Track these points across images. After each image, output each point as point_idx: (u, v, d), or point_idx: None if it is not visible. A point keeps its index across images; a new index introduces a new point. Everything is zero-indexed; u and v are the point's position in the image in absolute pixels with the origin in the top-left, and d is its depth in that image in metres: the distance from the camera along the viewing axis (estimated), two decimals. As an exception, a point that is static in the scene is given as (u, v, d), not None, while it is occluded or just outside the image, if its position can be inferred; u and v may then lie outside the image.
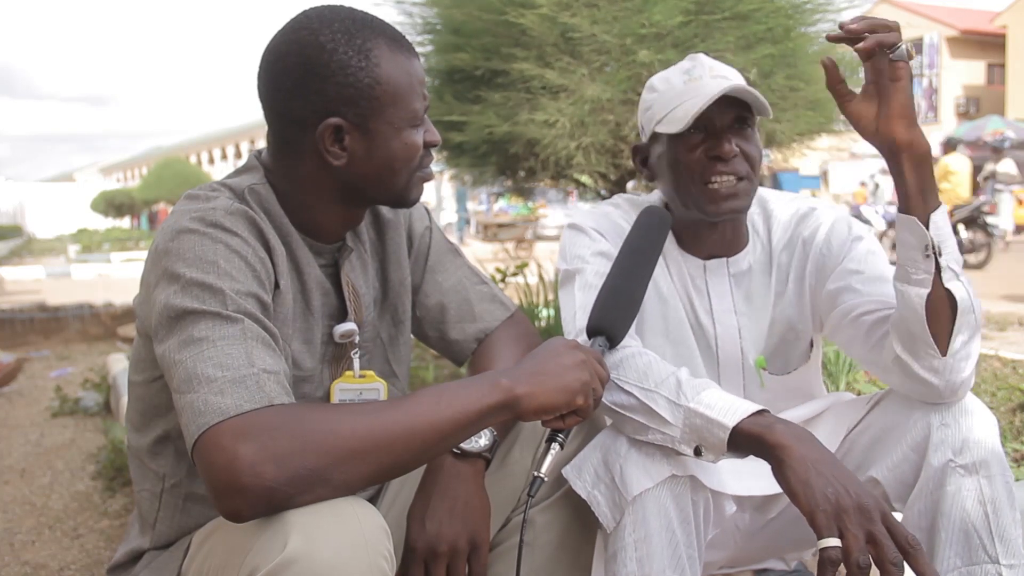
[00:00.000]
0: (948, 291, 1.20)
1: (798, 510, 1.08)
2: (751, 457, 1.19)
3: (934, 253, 1.19)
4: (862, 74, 1.22)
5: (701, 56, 1.44)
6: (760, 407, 1.18)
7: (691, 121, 1.33)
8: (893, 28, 1.15)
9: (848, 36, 1.15)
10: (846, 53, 3.38)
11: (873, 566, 1.02)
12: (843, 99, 1.22)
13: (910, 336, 1.23)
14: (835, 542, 1.02)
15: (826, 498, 1.05)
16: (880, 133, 1.20)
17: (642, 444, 1.25)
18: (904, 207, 1.22)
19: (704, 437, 1.19)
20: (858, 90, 1.22)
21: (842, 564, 1.02)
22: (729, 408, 1.18)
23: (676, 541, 1.22)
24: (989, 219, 10.08)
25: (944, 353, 1.21)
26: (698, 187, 1.39)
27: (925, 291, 1.20)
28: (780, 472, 1.11)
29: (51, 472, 3.07)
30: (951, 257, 1.21)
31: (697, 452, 1.21)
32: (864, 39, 1.14)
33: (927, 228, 1.19)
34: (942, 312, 1.21)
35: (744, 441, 1.16)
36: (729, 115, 1.38)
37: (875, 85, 1.20)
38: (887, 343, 1.28)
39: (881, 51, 1.15)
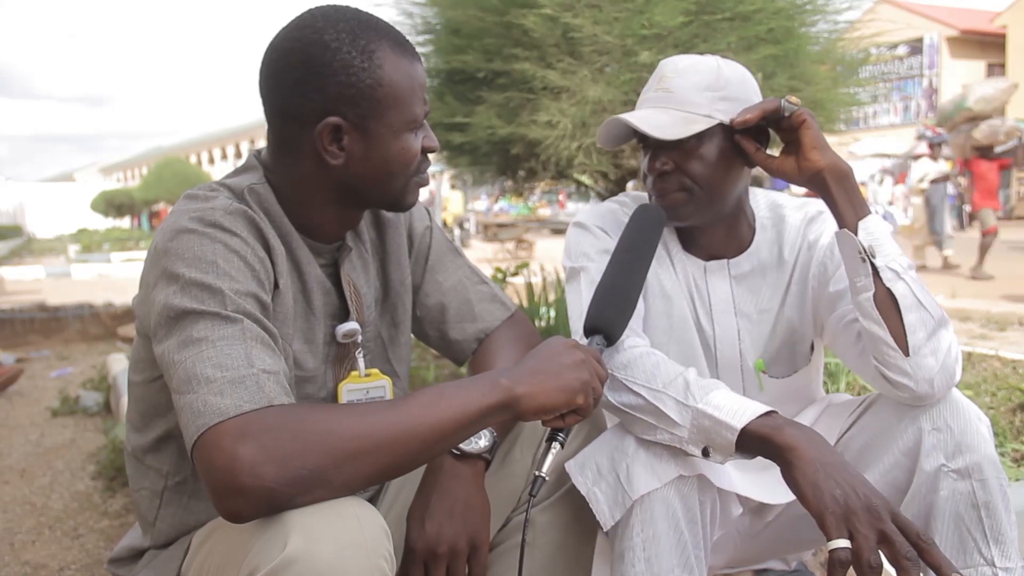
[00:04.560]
0: (889, 291, 1.23)
1: (797, 513, 1.08)
2: (758, 464, 1.18)
3: (867, 256, 1.23)
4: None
5: (666, 63, 1.41)
6: (769, 408, 1.18)
7: (602, 142, 1.43)
8: (768, 104, 1.32)
9: (750, 124, 1.32)
10: (846, 52, 3.38)
11: (885, 566, 1.02)
12: (766, 161, 1.35)
13: (874, 343, 1.25)
14: (844, 543, 1.02)
15: (835, 500, 1.05)
16: (803, 169, 1.31)
17: (649, 444, 1.25)
18: (839, 224, 1.29)
19: (712, 438, 1.19)
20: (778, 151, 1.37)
21: (851, 566, 1.02)
22: (737, 409, 1.18)
23: (684, 541, 1.22)
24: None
25: (907, 353, 1.22)
26: (651, 198, 1.43)
27: (870, 293, 1.24)
28: (789, 474, 1.11)
29: (51, 472, 3.07)
30: (889, 259, 1.24)
31: (705, 453, 1.20)
32: (757, 120, 1.31)
33: (856, 235, 1.25)
34: (892, 314, 1.23)
35: (752, 442, 1.16)
36: None
37: (787, 142, 1.33)
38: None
39: (772, 119, 1.31)
